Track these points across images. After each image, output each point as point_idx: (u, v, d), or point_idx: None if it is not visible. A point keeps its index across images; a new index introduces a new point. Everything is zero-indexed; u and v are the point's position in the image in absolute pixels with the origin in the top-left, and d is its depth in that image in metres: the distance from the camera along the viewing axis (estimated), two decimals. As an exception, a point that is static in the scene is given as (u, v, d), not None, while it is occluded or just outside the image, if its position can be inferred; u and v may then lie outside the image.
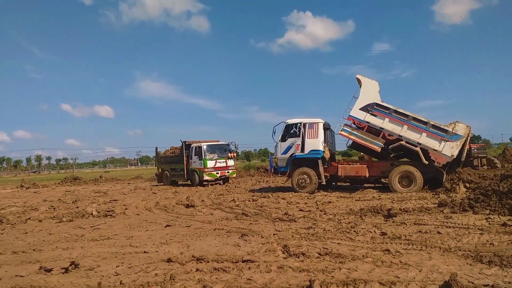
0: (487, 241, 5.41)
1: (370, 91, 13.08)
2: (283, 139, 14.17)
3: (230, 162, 20.90)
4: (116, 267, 5.21)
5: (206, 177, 19.68)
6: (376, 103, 12.88)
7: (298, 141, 13.83)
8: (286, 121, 14.30)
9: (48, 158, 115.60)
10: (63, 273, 4.96)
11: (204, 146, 20.06)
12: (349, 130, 13.23)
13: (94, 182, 28.66)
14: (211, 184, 20.14)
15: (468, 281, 3.78)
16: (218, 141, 21.48)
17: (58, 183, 28.58)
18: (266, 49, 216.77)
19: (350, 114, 13.17)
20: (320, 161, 13.70)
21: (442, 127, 12.12)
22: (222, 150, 20.87)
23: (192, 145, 20.62)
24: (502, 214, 7.11)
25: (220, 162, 20.20)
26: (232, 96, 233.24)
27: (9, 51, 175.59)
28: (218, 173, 20.09)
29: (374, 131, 12.94)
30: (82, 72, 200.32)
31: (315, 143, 13.70)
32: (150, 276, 4.68)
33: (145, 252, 5.99)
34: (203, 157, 19.74)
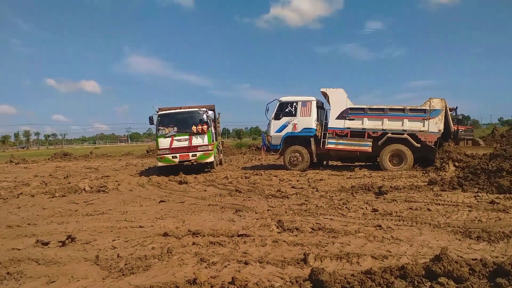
0: (476, 217, 5.55)
1: (339, 99, 13.21)
2: (277, 117, 14.09)
3: (199, 140, 13.91)
4: (113, 241, 5.24)
5: (159, 163, 13.95)
6: (350, 108, 13.04)
7: (295, 120, 13.82)
8: (280, 99, 14.21)
9: (37, 134, 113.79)
10: (60, 247, 4.98)
11: (157, 116, 14.24)
12: (335, 141, 13.24)
13: (84, 158, 28.38)
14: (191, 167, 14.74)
15: (458, 255, 3.91)
16: (183, 108, 15.07)
17: (48, 159, 28.38)
18: (251, 26, 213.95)
19: (329, 126, 13.30)
20: (312, 139, 13.78)
21: (419, 108, 12.35)
22: (185, 122, 14.15)
23: None
24: (490, 192, 7.27)
25: (179, 141, 13.84)
26: (222, 73, 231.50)
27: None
28: (176, 156, 13.76)
29: (358, 134, 13.04)
30: (68, 47, 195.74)
31: (308, 121, 13.73)
32: (147, 250, 4.73)
33: (140, 226, 6.04)
34: (156, 133, 14.32)
